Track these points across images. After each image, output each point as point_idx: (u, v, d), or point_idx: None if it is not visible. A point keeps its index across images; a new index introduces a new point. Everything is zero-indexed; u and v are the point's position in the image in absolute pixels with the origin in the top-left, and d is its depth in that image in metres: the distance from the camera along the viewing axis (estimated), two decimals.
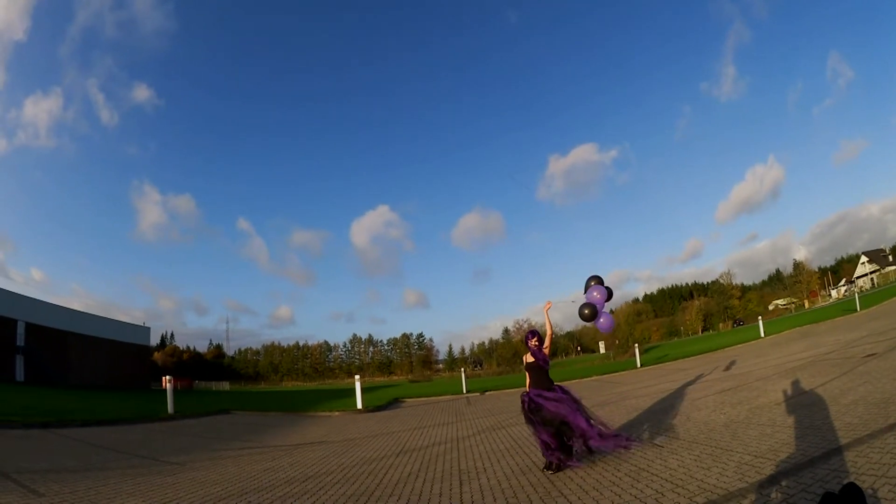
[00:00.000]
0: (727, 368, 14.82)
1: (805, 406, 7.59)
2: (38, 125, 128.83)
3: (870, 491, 3.71)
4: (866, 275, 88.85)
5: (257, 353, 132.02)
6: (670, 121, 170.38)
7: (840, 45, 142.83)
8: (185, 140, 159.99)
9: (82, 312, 51.56)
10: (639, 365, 25.44)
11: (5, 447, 9.89)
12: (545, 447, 6.14)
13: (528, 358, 6.76)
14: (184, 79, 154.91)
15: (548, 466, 6.12)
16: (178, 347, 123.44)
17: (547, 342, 6.84)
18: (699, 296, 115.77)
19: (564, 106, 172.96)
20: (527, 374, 6.71)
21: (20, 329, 40.24)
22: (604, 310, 7.49)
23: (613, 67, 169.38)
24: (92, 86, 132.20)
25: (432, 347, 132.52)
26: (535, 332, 6.91)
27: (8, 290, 41.76)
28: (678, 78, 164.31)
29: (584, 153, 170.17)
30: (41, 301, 45.17)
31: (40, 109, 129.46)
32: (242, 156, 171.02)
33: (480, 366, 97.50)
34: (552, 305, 7.37)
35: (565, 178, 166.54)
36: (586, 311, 7.33)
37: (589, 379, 23.02)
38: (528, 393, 6.49)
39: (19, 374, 38.70)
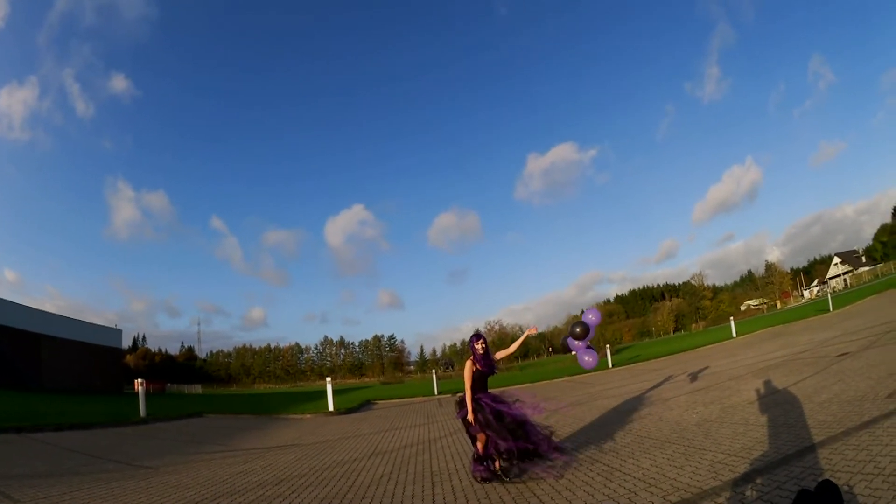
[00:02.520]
0: (697, 373, 14.85)
1: (778, 404, 7.59)
2: (12, 116, 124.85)
3: (846, 488, 3.65)
4: (839, 275, 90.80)
5: (229, 355, 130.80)
6: (651, 120, 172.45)
7: (822, 47, 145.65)
8: (160, 135, 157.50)
9: (55, 314, 50.48)
10: (610, 365, 25.53)
11: None
12: (495, 456, 5.80)
13: (473, 366, 6.09)
14: (163, 70, 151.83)
15: (505, 473, 5.82)
16: (150, 350, 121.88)
17: (501, 355, 6.53)
18: (671, 297, 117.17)
19: (544, 104, 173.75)
20: (466, 382, 6.04)
21: None
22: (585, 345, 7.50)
23: (595, 65, 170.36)
24: (68, 76, 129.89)
25: (404, 349, 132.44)
26: (479, 335, 6.32)
27: None
28: (661, 77, 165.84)
29: (563, 152, 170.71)
30: (14, 303, 44.16)
31: (15, 100, 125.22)
32: (218, 152, 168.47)
33: (452, 367, 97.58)
34: (536, 332, 7.22)
35: (544, 177, 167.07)
36: (578, 330, 7.31)
37: (560, 380, 23.07)
38: (483, 397, 6.02)
39: None
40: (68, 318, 52.24)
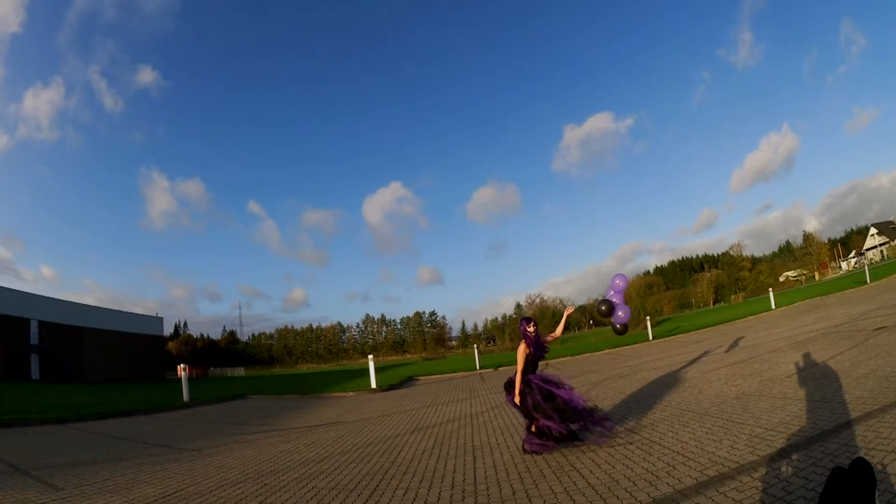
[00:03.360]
0: (737, 345, 14.80)
1: (816, 379, 7.63)
2: (39, 118, 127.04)
3: (879, 467, 3.74)
4: (875, 247, 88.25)
5: (271, 337, 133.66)
6: (687, 88, 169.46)
7: (852, 12, 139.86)
8: (192, 123, 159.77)
9: (95, 307, 52.22)
10: (651, 338, 25.51)
11: (23, 444, 10.05)
12: (549, 435, 5.98)
13: (526, 349, 6.22)
14: (190, 59, 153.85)
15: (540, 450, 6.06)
16: (192, 336, 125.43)
17: (551, 338, 6.71)
18: (710, 268, 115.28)
19: (580, 75, 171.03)
20: (519, 365, 6.17)
21: (33, 328, 40.92)
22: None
23: (628, 34, 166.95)
24: (94, 72, 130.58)
25: (445, 325, 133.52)
26: (530, 319, 6.52)
27: (19, 290, 42.43)
28: (695, 44, 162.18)
29: (599, 122, 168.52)
30: (53, 298, 45.83)
31: (41, 101, 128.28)
32: (252, 137, 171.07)
33: (493, 342, 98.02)
34: (573, 311, 7.34)
35: (581, 148, 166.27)
36: (603, 308, 7.45)
37: (601, 353, 23.06)
38: (533, 378, 6.23)
39: (35, 373, 39.38)
40: (109, 309, 53.84)
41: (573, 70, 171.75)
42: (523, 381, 6.12)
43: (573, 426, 6.05)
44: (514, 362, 6.28)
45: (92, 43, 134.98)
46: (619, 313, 7.50)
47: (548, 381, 6.18)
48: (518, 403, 6.10)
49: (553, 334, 6.86)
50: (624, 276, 7.74)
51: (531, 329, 6.36)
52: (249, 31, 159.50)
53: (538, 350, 6.32)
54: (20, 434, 11.28)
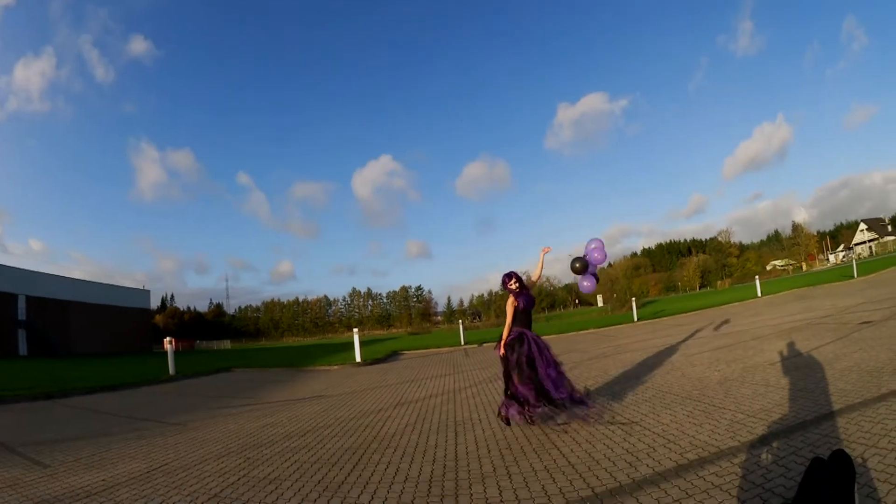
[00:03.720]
0: (721, 331, 14.91)
1: (799, 368, 7.67)
2: (30, 89, 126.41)
3: (859, 460, 3.75)
4: (864, 242, 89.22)
5: (257, 310, 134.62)
6: (684, 72, 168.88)
7: (855, 8, 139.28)
8: (184, 93, 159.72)
9: (82, 281, 52.01)
10: (636, 319, 25.58)
11: (10, 421, 10.00)
12: (525, 402, 5.96)
13: (514, 301, 6.22)
14: (184, 28, 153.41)
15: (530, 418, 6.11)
16: (179, 309, 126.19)
17: (534, 279, 6.68)
18: (697, 252, 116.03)
19: (575, 53, 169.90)
20: (508, 318, 6.20)
21: (21, 303, 40.74)
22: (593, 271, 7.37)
23: (628, 14, 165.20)
24: (85, 42, 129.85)
25: (431, 300, 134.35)
26: (512, 274, 6.37)
27: (7, 266, 42.08)
28: (694, 29, 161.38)
29: (593, 102, 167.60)
30: (41, 273, 45.60)
31: (32, 72, 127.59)
32: (242, 107, 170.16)
33: (479, 318, 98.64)
34: (550, 251, 7.14)
35: (574, 127, 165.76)
36: (577, 265, 7.23)
37: (586, 332, 23.22)
38: (529, 334, 6.16)
39: (22, 349, 39.32)
40: (95, 282, 53.86)
41: (568, 47, 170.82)
42: (517, 336, 6.11)
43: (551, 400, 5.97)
44: (500, 339, 6.25)
45: (84, 12, 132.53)
46: (585, 283, 7.29)
47: (542, 349, 6.10)
48: (501, 356, 6.11)
49: (531, 279, 6.75)
50: (601, 246, 7.40)
51: (514, 285, 6.31)
52: (241, 1, 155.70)
53: (527, 303, 6.29)
54: (7, 410, 11.26)
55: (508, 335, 6.15)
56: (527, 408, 5.99)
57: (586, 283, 7.30)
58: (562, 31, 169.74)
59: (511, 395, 6.12)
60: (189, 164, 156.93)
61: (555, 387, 5.92)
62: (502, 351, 6.11)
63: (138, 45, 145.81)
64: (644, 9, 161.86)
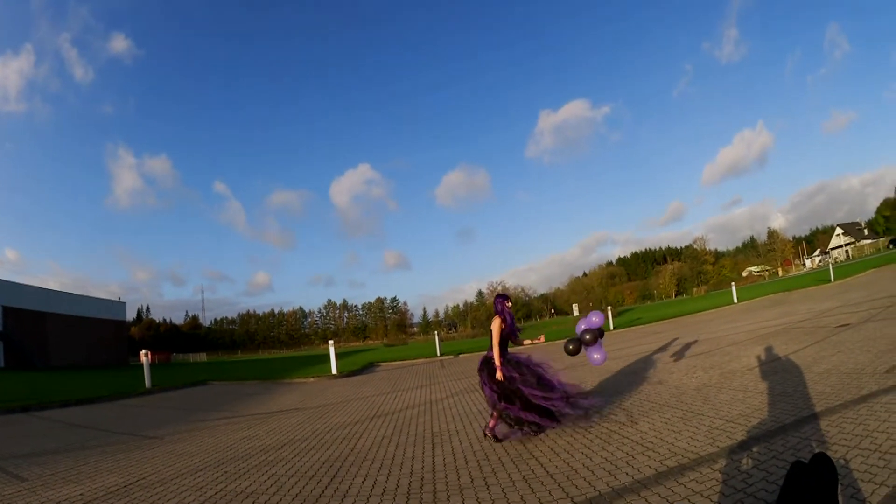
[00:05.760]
0: (698, 338, 14.93)
1: (777, 372, 7.66)
2: (7, 88, 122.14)
3: (841, 462, 3.71)
4: (841, 247, 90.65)
5: (233, 322, 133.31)
6: (667, 79, 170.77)
7: (839, 16, 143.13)
8: (162, 97, 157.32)
9: (59, 292, 50.62)
10: (611, 328, 25.57)
11: None
12: (535, 421, 5.78)
13: (500, 324, 5.99)
14: (165, 28, 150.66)
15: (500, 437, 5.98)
16: (155, 321, 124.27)
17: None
18: (673, 260, 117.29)
19: (557, 60, 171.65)
20: (495, 339, 5.94)
21: None
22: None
23: (612, 21, 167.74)
24: (65, 40, 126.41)
25: (407, 311, 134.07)
26: (506, 296, 6.33)
27: None
28: (679, 36, 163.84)
29: (575, 109, 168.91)
30: (17, 283, 44.22)
31: (10, 70, 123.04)
32: (220, 114, 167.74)
33: (455, 329, 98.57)
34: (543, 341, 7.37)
35: (555, 134, 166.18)
36: (588, 337, 6.46)
37: (562, 340, 23.06)
38: (521, 356, 6.13)
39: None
40: (72, 293, 52.56)
41: (550, 55, 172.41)
42: (504, 360, 5.94)
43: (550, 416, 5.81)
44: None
45: (65, 8, 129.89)
46: (595, 356, 6.50)
47: (531, 363, 6.03)
48: (499, 378, 5.81)
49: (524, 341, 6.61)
50: (600, 313, 7.12)
51: (510, 305, 6.26)
52: (223, 8, 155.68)
53: (512, 328, 6.10)
54: None
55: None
56: (525, 427, 5.84)
57: (597, 356, 6.49)
58: (545, 39, 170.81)
59: (514, 418, 5.84)
60: (165, 171, 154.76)
61: (555, 402, 5.76)
62: (499, 375, 5.81)
63: (118, 44, 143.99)
64: (629, 15, 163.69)
